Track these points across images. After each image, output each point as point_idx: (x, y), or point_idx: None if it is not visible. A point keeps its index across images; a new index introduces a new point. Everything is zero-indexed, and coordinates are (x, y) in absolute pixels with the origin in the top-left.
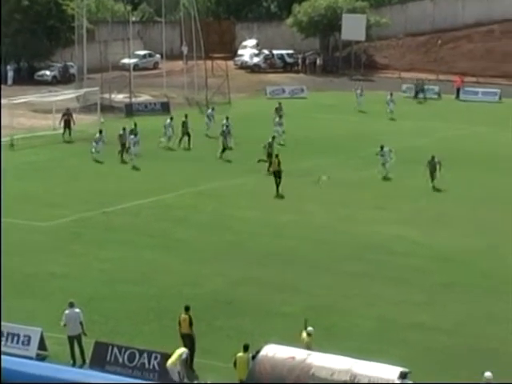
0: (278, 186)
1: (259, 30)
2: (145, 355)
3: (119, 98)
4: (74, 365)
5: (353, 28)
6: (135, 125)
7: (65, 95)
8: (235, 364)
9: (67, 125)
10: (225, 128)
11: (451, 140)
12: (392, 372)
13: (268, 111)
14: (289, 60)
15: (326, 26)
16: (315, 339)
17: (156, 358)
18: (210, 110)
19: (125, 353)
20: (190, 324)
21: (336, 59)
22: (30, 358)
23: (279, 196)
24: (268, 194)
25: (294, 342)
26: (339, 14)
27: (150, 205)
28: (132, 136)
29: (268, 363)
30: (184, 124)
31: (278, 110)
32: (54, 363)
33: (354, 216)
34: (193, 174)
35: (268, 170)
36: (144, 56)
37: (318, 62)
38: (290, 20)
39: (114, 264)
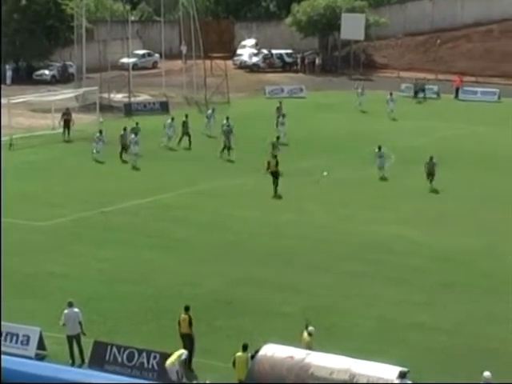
0: (276, 187)
1: (258, 30)
2: (144, 355)
3: (118, 97)
4: (73, 364)
5: (352, 27)
6: (137, 124)
7: (64, 95)
8: (234, 364)
9: (67, 124)
10: (226, 127)
11: (450, 140)
12: (391, 371)
13: (267, 111)
14: (288, 59)
15: (325, 25)
16: (315, 339)
17: (155, 357)
18: (209, 111)
19: (124, 352)
20: (190, 324)
21: (335, 59)
22: (29, 358)
23: (279, 196)
24: (268, 194)
25: (293, 341)
26: (338, 13)
27: (149, 204)
28: (133, 135)
29: (267, 363)
30: (184, 124)
31: (279, 110)
32: (53, 363)
33: (354, 216)
34: (192, 173)
35: (267, 169)
36: (143, 55)
37: (317, 61)
38: (288, 19)
39: (113, 264)
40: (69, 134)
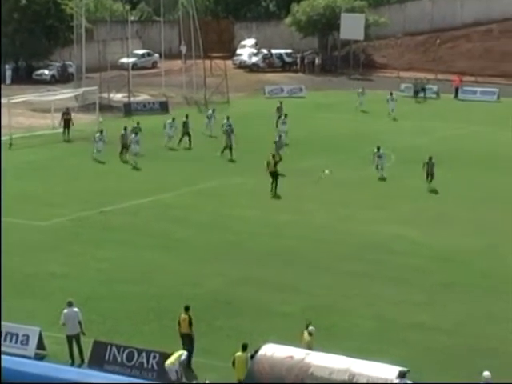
0: (275, 187)
1: (258, 30)
2: (143, 355)
3: (118, 97)
4: (72, 364)
5: (351, 27)
6: (138, 124)
7: (63, 94)
8: (234, 363)
9: (67, 124)
10: (227, 127)
11: (450, 139)
12: (390, 371)
13: (267, 111)
14: (287, 59)
15: (325, 25)
16: (315, 339)
17: (155, 357)
18: (210, 111)
19: (123, 352)
20: (190, 324)
21: (334, 58)
22: (29, 358)
23: (279, 196)
24: (267, 194)
25: (293, 341)
26: (338, 13)
27: (149, 204)
28: (133, 135)
29: (267, 363)
30: (185, 124)
31: (280, 110)
32: (52, 363)
33: (354, 216)
34: (192, 173)
35: (267, 169)
36: (142, 55)
37: (317, 61)
38: (288, 19)
39: (113, 264)
40: (68, 133)
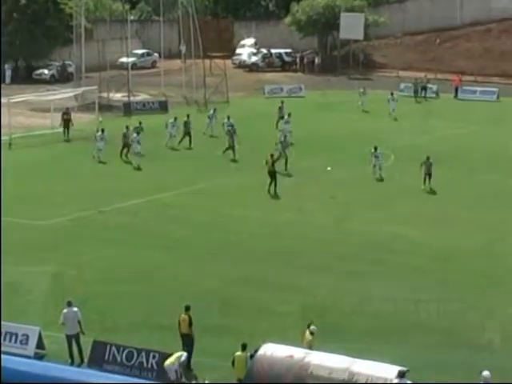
0: (275, 187)
1: (257, 29)
2: (143, 354)
3: (117, 96)
4: (72, 364)
5: (351, 27)
6: (140, 123)
7: (63, 94)
8: (233, 363)
9: (66, 124)
10: (230, 127)
11: (450, 139)
12: (390, 371)
13: (267, 110)
14: (287, 59)
15: (324, 24)
16: (315, 338)
17: (154, 357)
18: (211, 111)
19: (123, 352)
20: (190, 324)
21: (334, 58)
22: (28, 357)
23: (278, 195)
24: (267, 193)
25: (293, 341)
26: (337, 12)
27: (149, 204)
28: (135, 134)
29: (266, 362)
30: (186, 124)
31: (281, 110)
32: (52, 362)
33: (353, 215)
34: (192, 173)
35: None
36: (142, 55)
37: (316, 60)
38: (288, 19)
39: (113, 263)
40: (68, 133)
